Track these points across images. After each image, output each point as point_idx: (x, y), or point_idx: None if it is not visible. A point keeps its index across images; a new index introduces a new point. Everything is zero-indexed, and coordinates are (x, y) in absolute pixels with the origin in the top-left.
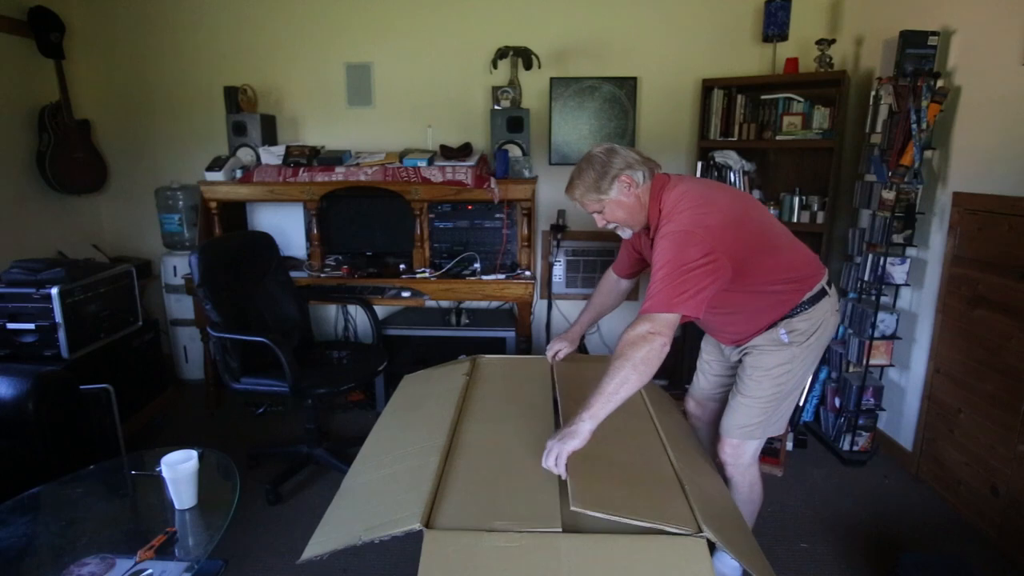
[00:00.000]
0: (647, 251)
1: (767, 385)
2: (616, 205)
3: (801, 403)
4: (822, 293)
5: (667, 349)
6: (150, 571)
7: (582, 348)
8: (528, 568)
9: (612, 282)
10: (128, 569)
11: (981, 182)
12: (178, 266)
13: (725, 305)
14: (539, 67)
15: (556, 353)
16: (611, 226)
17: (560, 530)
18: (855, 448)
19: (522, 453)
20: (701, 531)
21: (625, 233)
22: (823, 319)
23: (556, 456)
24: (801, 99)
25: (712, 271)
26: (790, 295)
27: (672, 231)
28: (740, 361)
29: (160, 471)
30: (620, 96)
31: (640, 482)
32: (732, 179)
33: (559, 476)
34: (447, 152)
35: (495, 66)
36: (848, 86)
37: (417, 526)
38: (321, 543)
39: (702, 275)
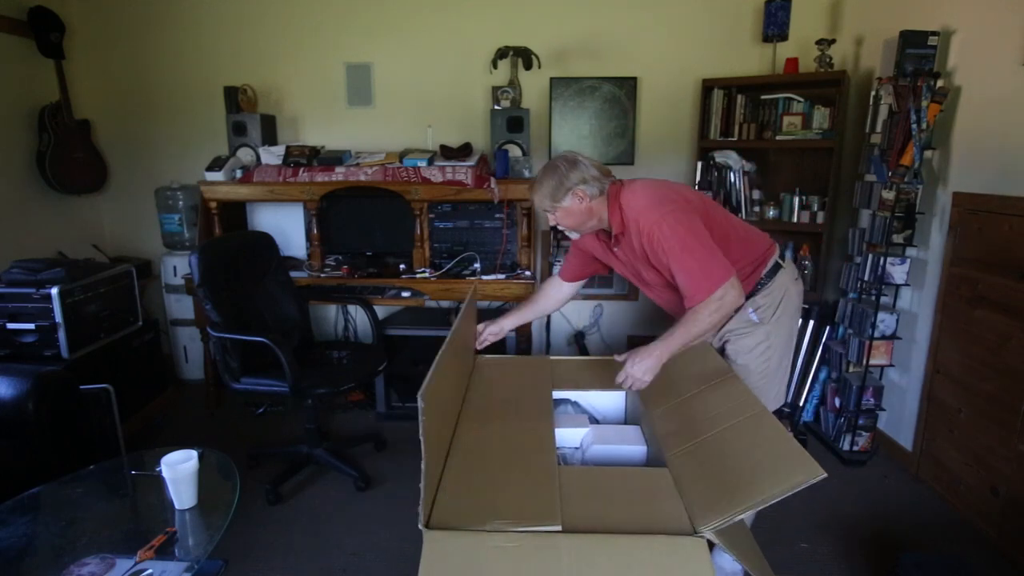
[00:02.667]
0: (605, 253)
1: (754, 368)
2: (566, 212)
3: (801, 402)
4: (776, 267)
5: (738, 301)
6: (150, 571)
7: (583, 349)
8: (528, 568)
9: (555, 287)
10: (128, 569)
11: (981, 182)
12: (178, 266)
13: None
14: (539, 67)
15: (483, 339)
16: (560, 227)
17: (560, 530)
18: (855, 448)
19: (522, 452)
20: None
21: (572, 235)
22: (784, 289)
23: (630, 378)
24: (801, 99)
25: (701, 228)
26: (749, 275)
27: (649, 226)
28: (723, 351)
29: (160, 471)
30: (620, 96)
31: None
32: (732, 179)
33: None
34: (447, 152)
35: (495, 66)
36: (848, 86)
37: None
38: None
39: (702, 236)
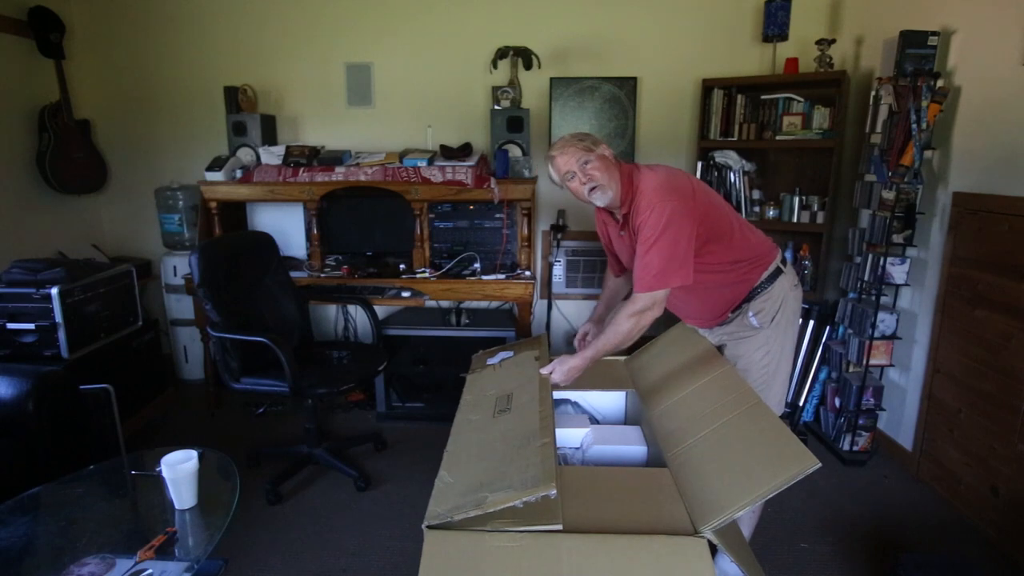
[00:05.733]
0: (616, 239)
1: (754, 372)
2: (602, 161)
3: (801, 402)
4: (777, 272)
5: (659, 314)
6: (150, 571)
7: None
8: (528, 568)
9: (611, 280)
10: (128, 569)
11: (981, 182)
12: (178, 266)
13: (684, 287)
14: (539, 67)
15: (587, 334)
16: (588, 186)
17: (560, 529)
18: (855, 448)
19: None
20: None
21: (598, 200)
22: (783, 295)
23: (555, 371)
24: (801, 99)
25: (692, 240)
26: (747, 273)
27: (650, 208)
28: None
29: (160, 471)
30: (620, 96)
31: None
32: (732, 179)
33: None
34: (447, 152)
35: (495, 66)
36: (848, 86)
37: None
38: None
39: (686, 244)
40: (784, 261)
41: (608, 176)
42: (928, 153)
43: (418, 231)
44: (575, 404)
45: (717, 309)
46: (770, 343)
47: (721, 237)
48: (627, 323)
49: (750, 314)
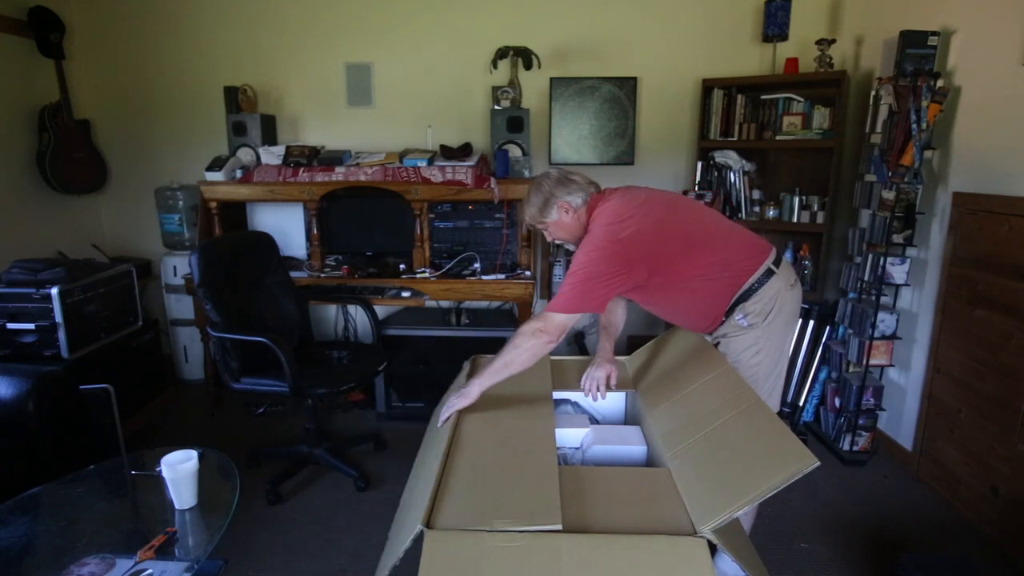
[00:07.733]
0: None
1: (741, 371)
2: (556, 226)
3: (801, 402)
4: (769, 273)
5: (552, 346)
6: (150, 571)
7: (583, 350)
8: (528, 568)
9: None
10: (128, 569)
11: (981, 182)
12: (178, 266)
13: (664, 302)
14: (539, 67)
15: (608, 379)
16: (557, 241)
17: (560, 529)
18: (855, 448)
19: (522, 453)
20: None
21: (570, 246)
22: (776, 296)
23: (448, 408)
24: (801, 99)
25: (618, 280)
26: (735, 276)
27: (587, 242)
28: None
29: (160, 471)
30: (620, 96)
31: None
32: (732, 179)
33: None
34: (447, 152)
35: (495, 66)
36: (848, 86)
37: (419, 527)
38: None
39: (605, 283)
40: (777, 262)
41: (567, 233)
42: (928, 153)
43: (418, 231)
44: (575, 404)
45: (709, 315)
46: (760, 343)
47: (698, 245)
48: (526, 340)
49: (738, 316)
